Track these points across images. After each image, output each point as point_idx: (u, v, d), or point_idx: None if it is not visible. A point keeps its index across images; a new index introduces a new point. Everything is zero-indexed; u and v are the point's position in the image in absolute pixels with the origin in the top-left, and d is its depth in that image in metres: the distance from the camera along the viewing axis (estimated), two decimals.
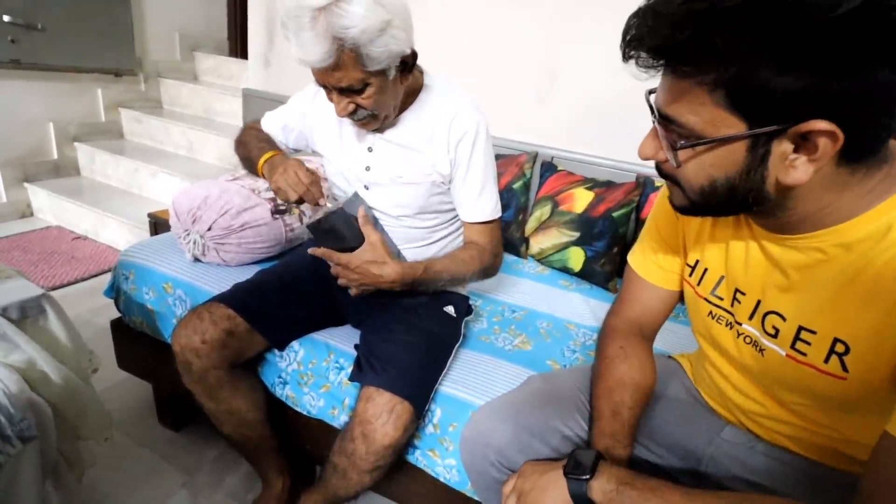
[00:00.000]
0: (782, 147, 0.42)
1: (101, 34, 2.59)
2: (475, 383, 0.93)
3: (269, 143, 1.05)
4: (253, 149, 1.01)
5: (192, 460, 1.20)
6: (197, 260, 1.18)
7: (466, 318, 1.09)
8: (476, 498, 0.84)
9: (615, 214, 1.47)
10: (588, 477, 0.55)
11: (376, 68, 0.77)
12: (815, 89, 0.37)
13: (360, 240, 0.88)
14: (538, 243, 1.57)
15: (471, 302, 1.20)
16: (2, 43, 2.19)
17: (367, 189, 0.97)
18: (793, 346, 0.53)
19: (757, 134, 0.41)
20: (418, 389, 0.85)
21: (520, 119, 1.76)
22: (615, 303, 0.79)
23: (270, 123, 1.08)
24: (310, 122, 1.02)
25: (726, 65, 0.39)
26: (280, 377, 1.01)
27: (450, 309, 1.02)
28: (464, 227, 1.01)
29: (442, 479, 0.90)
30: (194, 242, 1.16)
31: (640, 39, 0.41)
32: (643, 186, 1.50)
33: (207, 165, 2.64)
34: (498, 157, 1.67)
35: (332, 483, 0.89)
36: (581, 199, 1.52)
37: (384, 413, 0.79)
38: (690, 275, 0.67)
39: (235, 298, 0.94)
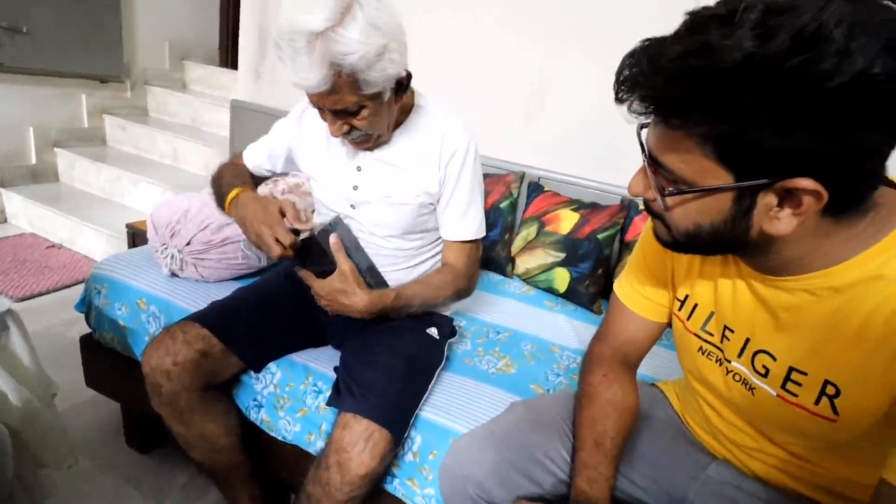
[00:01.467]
0: (767, 199, 0.42)
1: (88, 39, 2.56)
2: (457, 409, 0.91)
3: (242, 178, 1.03)
4: (224, 185, 0.99)
5: (159, 485, 1.15)
6: (174, 275, 1.15)
7: (450, 340, 1.07)
8: None
9: (600, 236, 1.48)
10: None
11: (372, 91, 0.77)
12: (804, 150, 0.38)
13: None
14: (524, 263, 1.57)
15: (455, 323, 1.18)
16: None
17: (354, 208, 0.96)
18: (783, 387, 0.52)
19: (743, 187, 0.42)
20: (397, 416, 0.82)
21: (508, 139, 1.77)
22: (600, 328, 0.78)
23: (254, 155, 1.07)
24: (296, 143, 1.01)
25: (717, 121, 0.39)
26: (255, 400, 0.98)
27: (433, 331, 1.00)
28: (443, 245, 1.00)
29: None
30: (172, 257, 1.13)
31: (634, 86, 0.42)
32: (628, 209, 1.52)
33: (192, 175, 2.60)
34: (486, 175, 1.68)
35: None
36: (567, 220, 1.52)
37: (361, 441, 0.76)
38: (680, 309, 0.66)
39: (211, 318, 0.91)
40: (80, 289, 1.66)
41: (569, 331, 1.31)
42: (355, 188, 0.94)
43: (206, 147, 2.56)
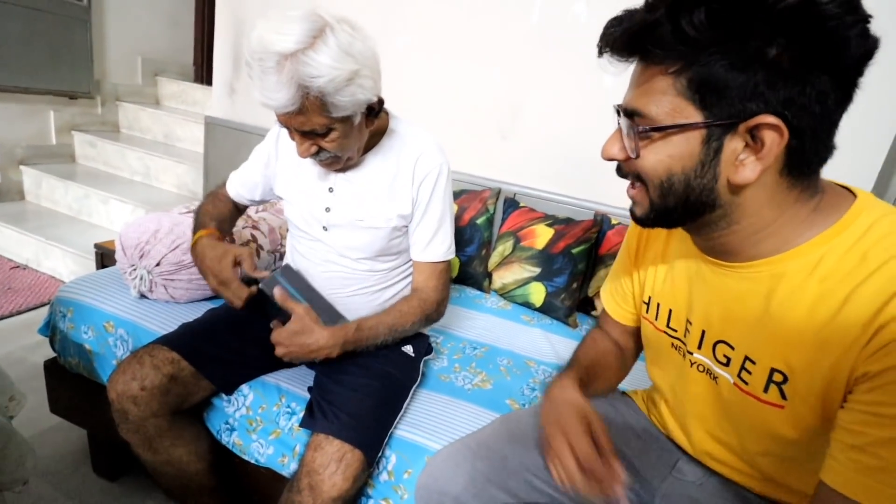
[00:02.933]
0: (733, 144, 0.45)
1: (57, 55, 2.51)
2: (433, 426, 0.91)
3: (216, 214, 1.03)
4: (197, 223, 1.01)
5: None
6: (143, 296, 1.13)
7: (426, 357, 1.07)
8: None
9: (574, 251, 1.51)
10: None
11: (341, 115, 0.77)
12: (765, 88, 0.41)
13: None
14: (501, 278, 1.59)
15: (432, 340, 1.19)
16: None
17: (327, 230, 0.96)
18: (739, 375, 0.55)
19: (712, 125, 0.44)
20: (371, 437, 0.82)
21: (483, 155, 1.80)
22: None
23: (234, 184, 1.08)
24: (273, 167, 1.01)
25: (691, 54, 0.42)
26: (227, 423, 0.96)
27: (408, 349, 1.00)
28: (413, 267, 1.01)
29: None
30: (141, 278, 1.10)
31: (618, 26, 0.45)
32: (601, 224, 1.55)
33: (164, 192, 2.55)
34: (462, 192, 1.70)
35: None
36: (542, 236, 1.55)
37: (333, 462, 0.76)
38: (647, 311, 0.70)
39: (181, 340, 0.89)
40: (45, 311, 1.60)
41: (545, 345, 1.33)
42: (327, 210, 0.95)
43: (179, 163, 2.53)
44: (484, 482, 0.70)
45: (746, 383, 0.54)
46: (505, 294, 1.59)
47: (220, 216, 1.04)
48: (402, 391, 0.94)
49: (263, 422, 0.93)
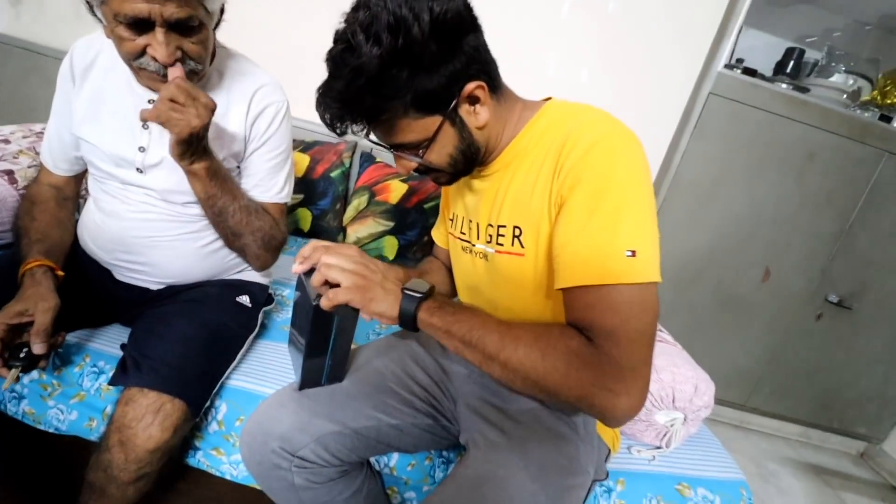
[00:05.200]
0: (465, 108, 0.62)
1: None
2: (269, 374, 0.91)
3: (42, 239, 0.83)
4: (19, 249, 0.82)
5: None
6: None
7: (266, 308, 1.05)
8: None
9: (426, 206, 1.58)
10: (422, 296, 0.62)
11: (212, 7, 0.73)
12: (450, 72, 0.58)
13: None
14: (355, 232, 1.60)
15: (276, 293, 1.16)
16: None
17: (142, 172, 0.85)
18: (497, 242, 0.70)
19: (448, 114, 0.60)
20: (194, 386, 0.78)
21: None
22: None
23: (47, 153, 0.91)
24: (74, 106, 0.85)
25: (401, 95, 0.57)
26: (13, 391, 0.82)
27: (244, 299, 0.96)
28: None
29: (228, 477, 0.85)
30: None
31: (341, 120, 0.59)
32: None
33: None
34: (315, 143, 1.64)
35: None
36: (396, 191, 1.59)
37: (148, 414, 0.71)
38: (452, 227, 0.83)
39: None
40: None
41: None
42: (142, 150, 0.84)
43: None
44: (309, 416, 0.73)
45: (502, 245, 0.69)
46: (360, 247, 1.60)
47: (44, 234, 0.84)
48: (235, 341, 0.90)
49: (62, 385, 0.82)
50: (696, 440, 1.06)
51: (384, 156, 1.71)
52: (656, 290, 0.56)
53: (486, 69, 0.61)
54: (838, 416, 2.03)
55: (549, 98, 0.71)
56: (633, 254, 0.54)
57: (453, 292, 0.92)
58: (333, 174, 1.62)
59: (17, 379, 0.69)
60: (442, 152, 0.64)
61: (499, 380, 0.58)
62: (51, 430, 0.83)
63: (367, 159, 1.68)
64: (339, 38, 0.57)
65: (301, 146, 1.62)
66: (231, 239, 0.90)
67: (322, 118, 0.60)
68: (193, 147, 0.76)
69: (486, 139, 0.66)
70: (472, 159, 0.66)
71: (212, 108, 0.74)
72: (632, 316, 0.54)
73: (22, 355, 0.68)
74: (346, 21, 0.57)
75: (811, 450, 2.07)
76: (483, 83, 0.60)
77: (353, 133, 0.62)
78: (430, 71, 0.56)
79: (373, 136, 0.64)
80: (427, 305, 0.62)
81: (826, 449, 2.11)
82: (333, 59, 0.58)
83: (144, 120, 0.72)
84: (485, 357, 0.58)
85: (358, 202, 1.61)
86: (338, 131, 0.61)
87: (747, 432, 2.07)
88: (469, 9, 0.59)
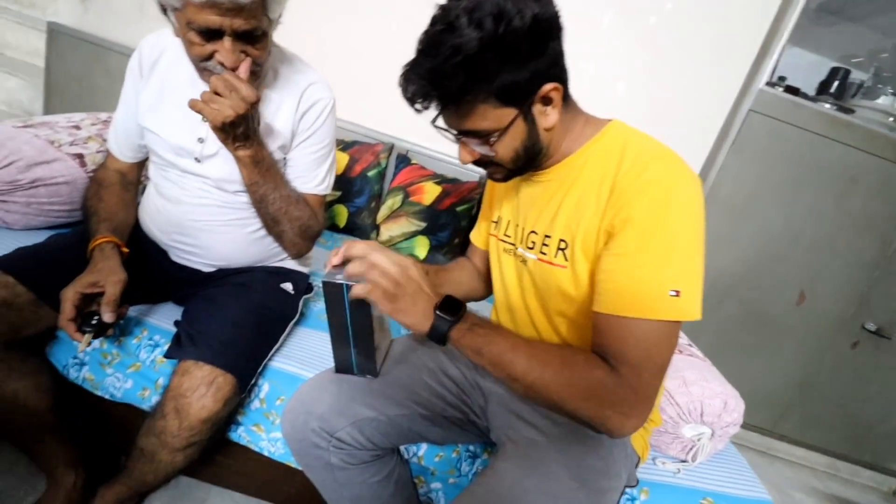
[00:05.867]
0: (537, 108, 0.64)
1: None
2: (308, 358, 0.95)
3: (109, 219, 0.90)
4: (88, 226, 0.89)
5: None
6: None
7: (306, 297, 1.09)
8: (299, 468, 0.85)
9: (458, 209, 1.62)
10: (453, 320, 0.61)
11: (273, 17, 0.78)
12: (534, 69, 0.60)
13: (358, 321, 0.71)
14: (388, 230, 1.64)
15: (316, 282, 1.21)
16: None
17: (200, 162, 0.91)
18: (541, 251, 0.71)
19: (524, 109, 0.62)
20: (243, 363, 0.83)
21: (379, 109, 1.79)
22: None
23: (114, 140, 0.97)
24: (140, 98, 0.91)
25: (489, 82, 0.58)
26: (76, 357, 0.88)
27: (287, 286, 1.01)
28: None
29: (266, 454, 0.89)
30: None
31: (424, 96, 0.60)
32: (483, 186, 1.68)
33: None
34: (354, 143, 1.70)
35: (139, 469, 0.82)
36: (430, 193, 1.63)
37: (202, 386, 0.76)
38: (495, 229, 0.83)
39: (16, 262, 0.79)
40: None
41: None
42: (201, 140, 0.89)
43: (10, 76, 2.09)
44: (348, 401, 0.76)
45: (545, 255, 0.71)
46: (391, 246, 1.65)
47: (111, 214, 0.90)
48: (279, 325, 0.95)
49: (120, 355, 0.88)
50: (722, 457, 1.05)
51: (419, 158, 1.75)
52: (680, 325, 0.59)
53: (562, 75, 0.64)
54: (870, 449, 1.96)
55: (611, 120, 0.71)
56: (677, 294, 0.56)
57: (478, 293, 0.94)
58: (370, 173, 1.67)
59: (89, 343, 0.75)
60: (510, 146, 0.65)
61: (519, 395, 0.61)
62: (107, 397, 0.89)
63: (403, 161, 1.72)
64: (438, 20, 0.59)
65: (341, 145, 1.68)
66: (270, 224, 0.94)
67: (404, 92, 0.61)
68: (231, 134, 0.80)
69: (549, 142, 0.68)
70: (532, 158, 0.68)
71: (251, 101, 0.77)
72: (658, 352, 0.58)
73: (94, 322, 0.74)
74: (444, 7, 0.59)
75: (839, 483, 2.00)
76: (559, 86, 0.63)
77: (434, 120, 0.63)
78: (519, 64, 0.58)
79: (440, 122, 0.65)
80: (459, 328, 0.62)
81: (856, 483, 2.03)
82: (430, 38, 0.59)
83: (190, 108, 0.78)
84: (511, 378, 0.60)
85: (392, 202, 1.65)
86: (417, 107, 0.61)
87: (772, 459, 2.01)
88: (559, 17, 0.61)
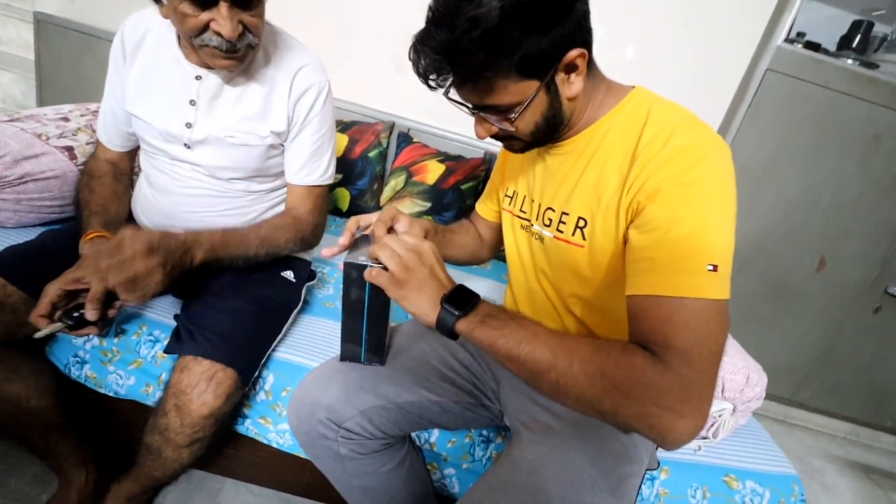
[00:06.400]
0: (560, 77, 0.58)
1: None
2: (313, 347, 0.92)
3: (101, 212, 0.86)
4: (80, 220, 0.85)
5: None
6: None
7: (309, 284, 1.06)
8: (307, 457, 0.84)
9: (463, 187, 1.57)
10: (459, 315, 0.56)
11: None
12: (558, 36, 0.54)
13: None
14: None
15: (319, 269, 1.17)
16: None
17: (190, 148, 0.86)
18: (558, 229, 0.67)
19: (547, 80, 0.57)
20: (245, 356, 0.80)
21: (378, 88, 1.74)
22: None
23: (102, 129, 0.93)
24: (125, 83, 0.87)
25: (509, 55, 0.53)
26: (76, 356, 0.86)
27: (288, 274, 0.98)
28: (287, 190, 0.96)
29: (274, 445, 0.88)
30: None
31: (438, 71, 0.55)
32: (489, 162, 1.62)
33: None
34: (354, 123, 1.64)
35: (147, 465, 0.81)
36: (433, 171, 1.58)
37: (202, 381, 0.73)
38: (509, 204, 0.79)
39: (5, 262, 0.76)
40: None
41: None
42: (188, 125, 0.85)
43: (3, 71, 2.05)
44: (356, 389, 0.73)
45: (562, 232, 0.67)
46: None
47: (103, 206, 0.87)
48: (281, 315, 0.92)
49: (121, 352, 0.86)
50: (744, 432, 1.02)
51: (421, 136, 1.69)
52: (728, 308, 0.51)
53: (587, 39, 0.58)
54: (892, 414, 1.92)
55: (635, 87, 0.66)
56: (715, 268, 0.50)
57: (480, 258, 0.93)
58: (371, 154, 1.62)
59: (55, 335, 0.70)
60: (530, 119, 0.60)
61: (546, 396, 0.54)
62: (110, 394, 0.88)
63: (405, 139, 1.67)
64: None
65: (340, 126, 1.62)
66: (266, 258, 0.89)
67: (415, 66, 0.56)
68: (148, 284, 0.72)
69: (571, 112, 0.62)
70: (553, 130, 0.63)
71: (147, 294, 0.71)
72: (708, 335, 0.49)
73: (76, 315, 0.71)
74: None
75: (861, 448, 1.97)
76: (585, 52, 0.57)
77: (440, 87, 0.57)
78: (541, 33, 0.53)
79: (453, 95, 0.59)
80: (469, 319, 0.56)
81: (877, 448, 2.00)
82: (444, 6, 0.53)
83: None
84: (533, 373, 0.53)
85: (395, 182, 1.60)
86: (430, 83, 0.56)
87: (791, 427, 1.99)
88: None
